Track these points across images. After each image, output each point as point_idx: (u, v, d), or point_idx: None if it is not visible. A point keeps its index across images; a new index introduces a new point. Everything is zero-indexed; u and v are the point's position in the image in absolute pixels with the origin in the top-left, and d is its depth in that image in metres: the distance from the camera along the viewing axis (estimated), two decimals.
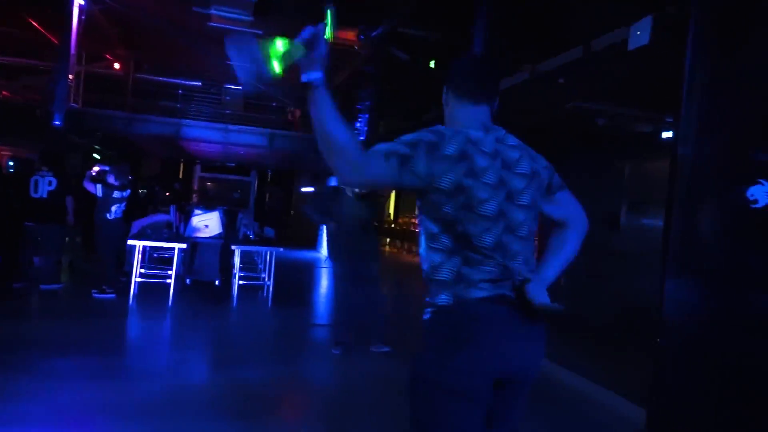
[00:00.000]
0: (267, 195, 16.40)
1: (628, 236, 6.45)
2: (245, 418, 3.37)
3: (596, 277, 6.64)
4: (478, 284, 1.46)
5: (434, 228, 1.50)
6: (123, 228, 6.80)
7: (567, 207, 1.74)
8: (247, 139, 11.10)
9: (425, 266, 1.55)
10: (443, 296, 1.49)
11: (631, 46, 3.87)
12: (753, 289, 2.82)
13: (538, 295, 1.51)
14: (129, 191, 6.77)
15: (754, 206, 2.84)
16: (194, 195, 18.38)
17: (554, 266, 1.71)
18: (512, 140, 1.63)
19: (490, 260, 1.48)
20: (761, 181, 2.81)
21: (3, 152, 14.26)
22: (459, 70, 1.77)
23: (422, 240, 1.56)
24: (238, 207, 13.86)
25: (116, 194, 6.58)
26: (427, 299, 1.54)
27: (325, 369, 4.70)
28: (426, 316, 1.53)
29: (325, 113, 1.38)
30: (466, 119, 1.64)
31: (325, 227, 5.43)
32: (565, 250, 1.74)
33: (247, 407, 3.55)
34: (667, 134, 5.85)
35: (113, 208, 6.60)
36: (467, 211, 1.46)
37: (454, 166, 1.44)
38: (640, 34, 3.79)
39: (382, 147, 1.44)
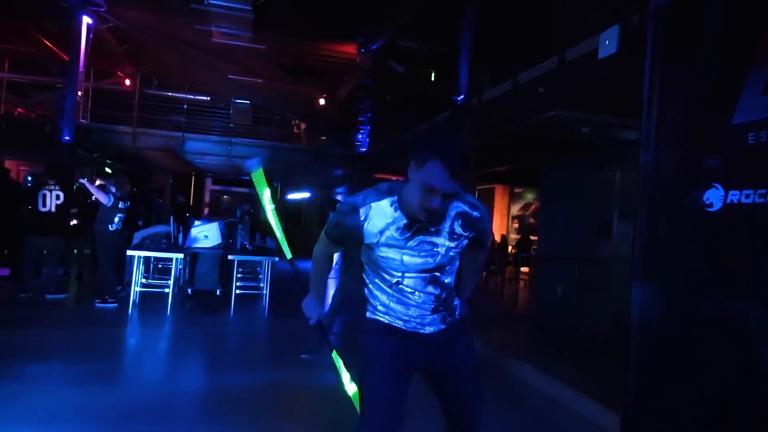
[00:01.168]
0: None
1: (621, 243, 6.45)
2: (234, 423, 3.45)
3: (589, 287, 6.65)
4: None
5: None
6: (123, 239, 7.00)
7: None
8: (250, 152, 11.32)
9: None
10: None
11: (600, 55, 3.95)
12: (710, 291, 2.86)
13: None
14: (129, 203, 6.98)
15: (709, 210, 2.89)
16: (205, 208, 18.70)
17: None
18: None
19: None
20: (715, 185, 2.86)
21: (21, 168, 14.71)
22: None
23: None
24: (249, 218, 14.04)
25: (120, 205, 6.81)
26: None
27: (316, 376, 4.78)
28: (462, 315, 2.15)
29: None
30: None
31: None
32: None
33: (237, 412, 3.63)
34: None
35: (115, 219, 6.80)
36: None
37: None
38: (608, 43, 3.87)
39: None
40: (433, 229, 1.85)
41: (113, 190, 6.85)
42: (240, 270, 7.39)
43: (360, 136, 11.51)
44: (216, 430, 3.32)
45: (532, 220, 14.24)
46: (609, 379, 4.35)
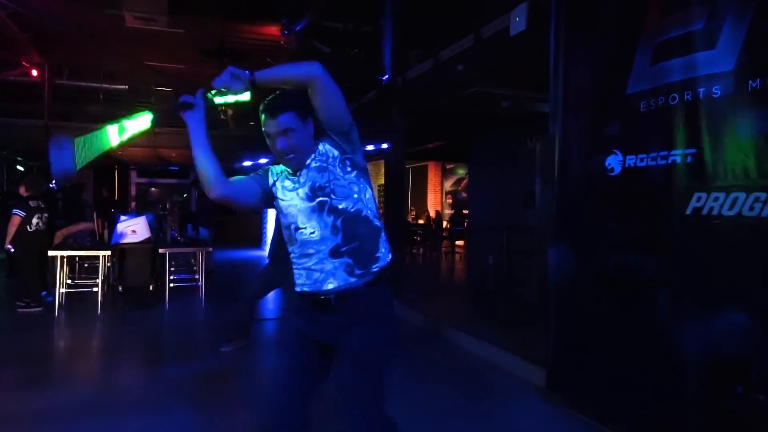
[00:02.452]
0: (197, 194, 16.20)
1: (544, 211, 6.81)
2: (175, 411, 3.44)
3: (516, 254, 7.00)
4: None
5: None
6: (44, 240, 6.65)
7: None
8: (177, 140, 10.94)
9: (371, 205, 1.96)
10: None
11: (512, 32, 4.14)
12: (614, 248, 3.13)
13: None
14: (41, 201, 6.63)
15: (611, 174, 3.14)
16: (132, 202, 17.92)
17: None
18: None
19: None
20: (615, 151, 3.11)
21: None
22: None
23: (363, 186, 1.95)
24: (180, 210, 13.61)
25: (32, 203, 6.46)
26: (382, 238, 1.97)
27: (254, 360, 4.81)
28: (386, 262, 1.96)
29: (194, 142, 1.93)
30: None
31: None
32: None
33: (179, 402, 3.62)
34: None
35: (34, 221, 6.46)
36: None
37: None
38: (518, 20, 4.06)
39: None
40: (291, 176, 1.95)
41: (22, 190, 6.50)
42: (172, 262, 7.21)
43: None
44: (158, 421, 3.31)
45: (464, 195, 14.64)
46: (535, 338, 4.66)
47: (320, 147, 1.91)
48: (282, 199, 1.94)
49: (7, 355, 4.72)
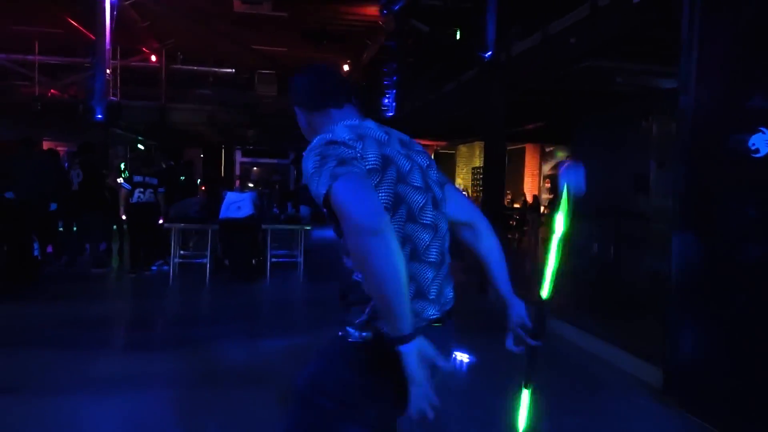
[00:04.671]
0: (297, 173, 16.74)
1: (659, 196, 6.27)
2: (269, 383, 3.55)
3: (627, 242, 6.52)
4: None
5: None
6: (149, 211, 7.13)
7: (463, 204, 1.57)
8: (279, 122, 11.34)
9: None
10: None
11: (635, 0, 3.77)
12: (753, 239, 2.77)
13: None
14: (153, 178, 7.15)
15: (755, 155, 2.77)
16: (236, 180, 18.92)
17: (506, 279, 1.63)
18: (399, 134, 1.49)
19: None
20: (762, 128, 2.74)
21: (60, 148, 15.11)
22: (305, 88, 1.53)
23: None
24: (280, 189, 14.16)
25: (136, 179, 7.01)
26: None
27: None
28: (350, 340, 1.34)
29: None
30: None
31: None
32: (501, 257, 1.61)
33: (285, 372, 3.72)
34: None
35: (136, 194, 7.00)
36: (411, 222, 1.32)
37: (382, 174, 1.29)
38: None
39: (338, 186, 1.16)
40: None
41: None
42: (274, 239, 7.49)
43: (386, 100, 11.38)
44: (251, 392, 3.42)
45: None
46: (648, 334, 4.30)
47: None
48: None
49: (131, 319, 5.14)
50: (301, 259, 7.25)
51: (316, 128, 1.48)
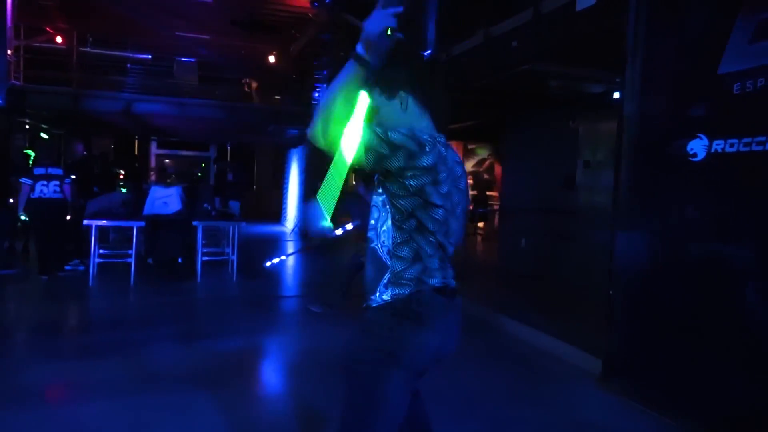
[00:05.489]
0: (227, 169, 16.15)
1: (586, 194, 6.66)
2: (217, 386, 3.40)
3: (556, 237, 6.87)
4: (433, 273, 1.57)
5: (403, 209, 1.53)
6: (54, 207, 6.54)
7: None
8: (205, 112, 10.82)
9: (388, 241, 1.56)
10: (407, 282, 1.54)
11: (578, 7, 3.95)
12: (696, 236, 2.99)
13: None
14: (57, 169, 6.59)
15: (693, 159, 2.99)
16: (151, 173, 17.90)
17: None
18: (455, 155, 1.70)
19: (439, 251, 1.59)
20: (699, 135, 2.96)
21: None
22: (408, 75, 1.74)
23: (385, 215, 1.57)
24: (199, 182, 13.61)
25: (37, 171, 6.44)
26: (387, 281, 1.56)
27: (297, 337, 4.77)
28: (387, 297, 1.55)
29: (344, 82, 1.48)
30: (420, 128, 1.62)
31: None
32: None
33: (218, 377, 3.58)
34: (617, 94, 6.01)
35: (38, 188, 6.40)
36: (423, 211, 1.53)
37: (424, 175, 1.49)
38: None
39: (366, 139, 1.45)
40: None
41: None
42: (204, 236, 7.15)
43: (317, 94, 11.19)
44: (204, 396, 3.27)
45: (486, 176, 14.46)
46: (584, 325, 4.56)
47: None
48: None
49: (37, 324, 4.71)
50: (234, 257, 6.98)
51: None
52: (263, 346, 4.49)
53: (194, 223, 6.75)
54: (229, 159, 17.57)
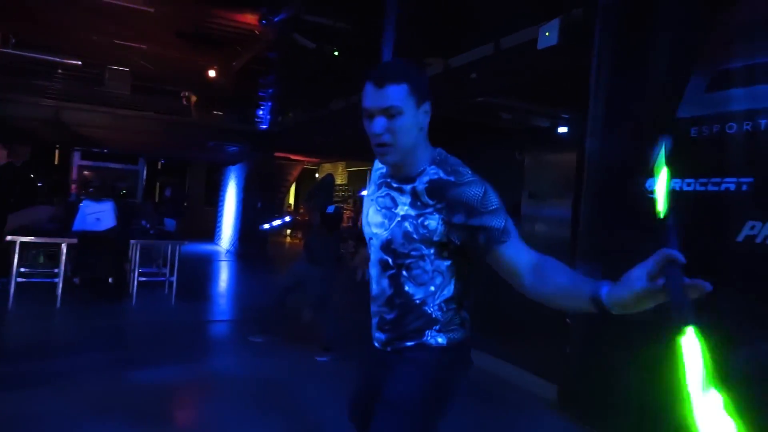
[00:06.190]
0: (158, 185, 15.45)
1: (529, 224, 6.90)
2: (147, 421, 3.17)
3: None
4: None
5: (466, 264, 1.57)
6: None
7: None
8: (139, 124, 10.32)
9: (440, 300, 1.54)
10: (457, 327, 1.58)
11: (540, 46, 4.13)
12: None
13: None
14: None
15: (652, 196, 3.16)
16: (73, 185, 16.76)
17: None
18: None
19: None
20: None
21: None
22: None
23: (449, 279, 1.54)
24: (126, 198, 12.93)
25: None
26: (432, 328, 1.55)
27: (236, 365, 4.56)
28: (429, 343, 1.54)
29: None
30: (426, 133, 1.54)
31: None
32: None
33: (149, 409, 3.34)
34: (562, 129, 6.32)
35: None
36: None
37: None
38: (548, 35, 4.05)
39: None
40: (395, 185, 1.54)
41: None
42: (139, 256, 6.73)
43: (260, 112, 11.00)
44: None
45: None
46: (533, 351, 4.68)
47: (431, 169, 1.48)
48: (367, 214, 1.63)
49: None
50: (174, 278, 6.61)
51: (414, 136, 1.46)
52: (201, 376, 4.23)
53: (132, 241, 6.35)
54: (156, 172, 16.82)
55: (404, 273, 1.52)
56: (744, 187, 2.71)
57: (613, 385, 3.35)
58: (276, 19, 10.09)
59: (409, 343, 1.55)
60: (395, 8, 6.16)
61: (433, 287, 1.52)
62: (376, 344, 1.66)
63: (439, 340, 1.54)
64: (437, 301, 1.53)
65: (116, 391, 3.64)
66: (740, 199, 2.72)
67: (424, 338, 1.54)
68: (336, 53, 9.42)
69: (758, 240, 2.62)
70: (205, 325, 5.93)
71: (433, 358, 1.53)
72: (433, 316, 1.54)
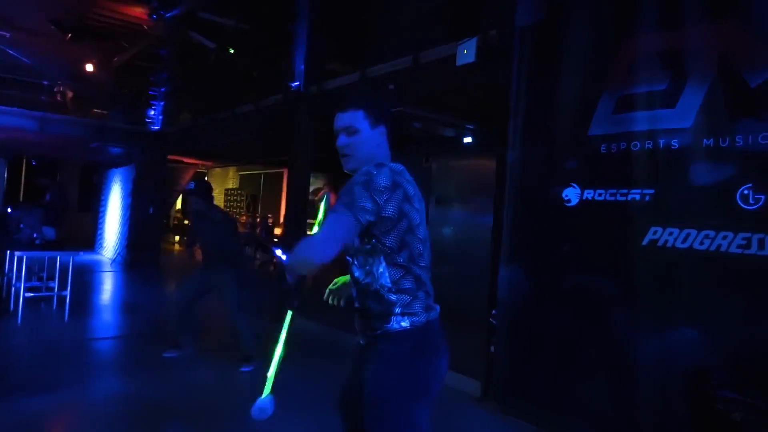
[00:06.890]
0: (23, 186, 13.86)
1: (436, 228, 7.23)
2: None
3: None
4: (431, 299, 1.75)
5: (391, 246, 1.67)
6: None
7: None
8: (8, 121, 9.19)
9: (382, 280, 1.69)
10: (417, 311, 1.69)
11: (458, 63, 4.39)
12: (570, 269, 3.51)
13: None
14: None
15: (568, 204, 3.53)
16: None
17: None
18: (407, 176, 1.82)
19: (428, 274, 1.76)
20: (573, 184, 3.51)
21: None
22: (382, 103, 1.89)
23: (379, 259, 1.68)
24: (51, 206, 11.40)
25: None
26: (394, 312, 1.68)
27: (161, 383, 4.30)
28: (394, 329, 1.68)
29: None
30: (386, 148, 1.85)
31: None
32: None
33: None
34: (467, 139, 6.74)
35: None
36: (410, 234, 1.68)
37: (392, 194, 1.62)
38: (466, 53, 4.32)
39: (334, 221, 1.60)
40: None
41: None
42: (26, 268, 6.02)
43: (152, 112, 10.34)
44: None
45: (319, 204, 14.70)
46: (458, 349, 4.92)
47: None
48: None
49: None
50: (66, 292, 6.00)
51: (370, 150, 1.77)
52: (99, 398, 3.91)
53: (18, 254, 5.69)
54: (24, 172, 15.07)
55: (354, 261, 1.75)
56: (647, 198, 3.13)
57: (535, 376, 3.68)
58: (168, 15, 9.56)
59: (378, 332, 1.71)
60: (306, 14, 6.16)
61: (368, 266, 1.70)
62: (359, 336, 1.84)
63: (403, 324, 1.67)
64: (382, 284, 1.69)
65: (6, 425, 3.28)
66: (644, 208, 3.13)
67: (389, 324, 1.68)
68: (231, 51, 9.12)
69: (660, 243, 3.04)
70: (110, 341, 5.48)
71: (395, 351, 1.68)
72: (386, 298, 1.68)
